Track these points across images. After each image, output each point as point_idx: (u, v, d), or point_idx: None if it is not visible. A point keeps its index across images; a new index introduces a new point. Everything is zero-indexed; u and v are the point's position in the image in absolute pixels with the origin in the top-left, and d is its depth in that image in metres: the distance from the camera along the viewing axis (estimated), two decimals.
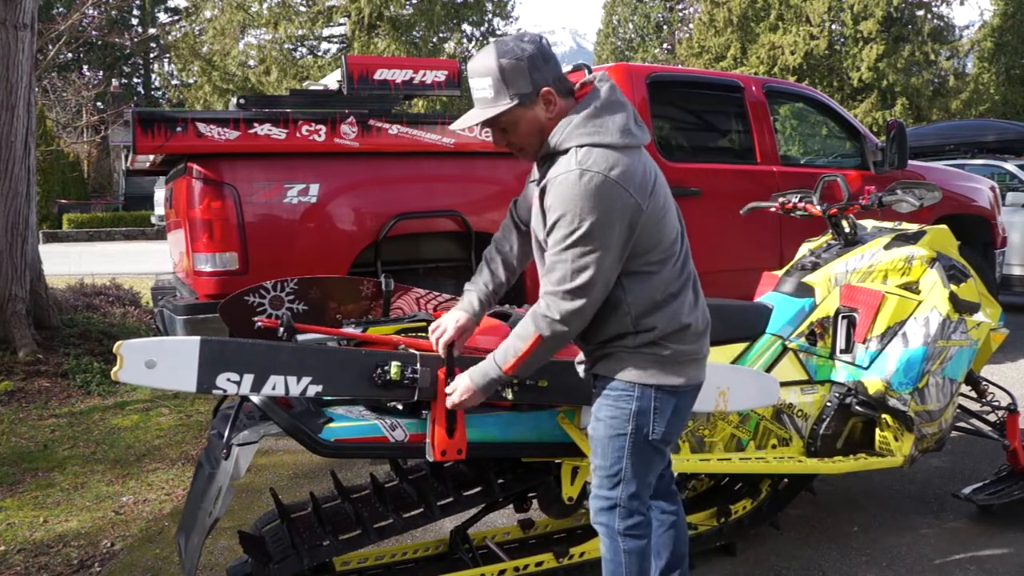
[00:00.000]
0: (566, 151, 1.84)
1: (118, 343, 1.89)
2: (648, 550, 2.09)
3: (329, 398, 2.21)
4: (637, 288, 1.90)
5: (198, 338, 1.93)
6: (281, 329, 2.18)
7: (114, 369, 1.88)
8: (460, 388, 2.01)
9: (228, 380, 1.95)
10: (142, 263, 13.04)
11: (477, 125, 1.93)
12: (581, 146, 1.82)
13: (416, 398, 2.13)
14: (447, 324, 2.10)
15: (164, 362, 1.90)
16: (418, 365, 2.11)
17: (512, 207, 2.26)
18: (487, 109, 1.87)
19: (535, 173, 2.01)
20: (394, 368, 2.08)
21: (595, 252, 1.79)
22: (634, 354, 1.94)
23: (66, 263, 10.61)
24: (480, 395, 2.01)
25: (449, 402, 2.05)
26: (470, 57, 21.64)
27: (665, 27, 34.54)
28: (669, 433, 2.01)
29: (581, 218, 1.76)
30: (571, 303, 1.84)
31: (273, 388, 1.99)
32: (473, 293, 2.17)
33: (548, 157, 1.90)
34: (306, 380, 2.01)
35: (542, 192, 1.86)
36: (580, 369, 2.14)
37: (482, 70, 1.85)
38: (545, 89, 1.85)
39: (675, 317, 1.93)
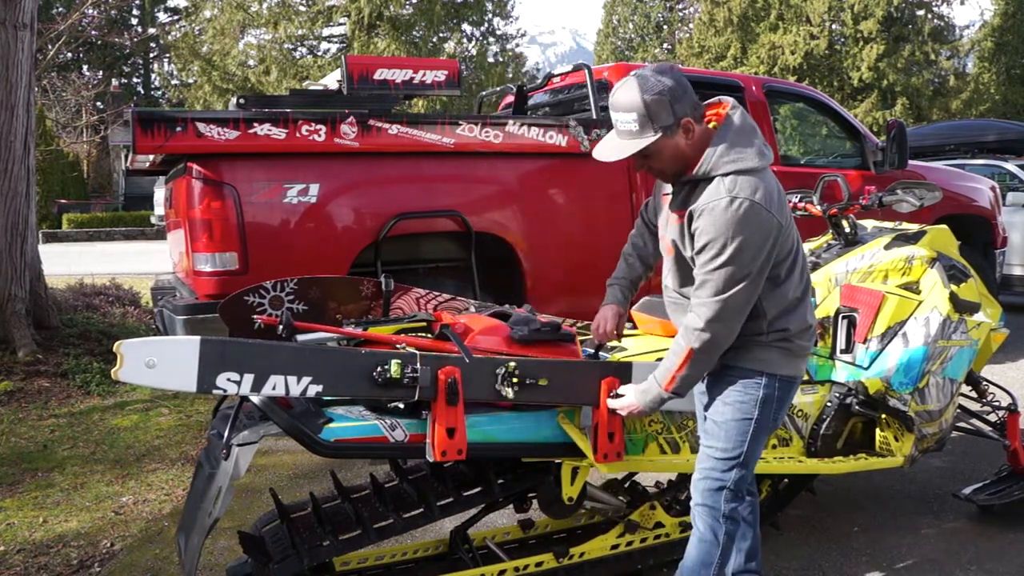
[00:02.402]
0: (712, 178, 2.01)
1: (118, 343, 1.89)
2: (742, 535, 2.21)
3: (329, 398, 2.20)
4: (771, 293, 2.09)
5: (198, 338, 1.92)
6: (281, 327, 2.18)
7: (114, 368, 1.88)
8: (625, 404, 2.23)
9: (228, 380, 1.94)
10: (142, 263, 13.04)
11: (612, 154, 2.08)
12: (727, 174, 1.99)
13: (417, 397, 2.13)
14: (606, 316, 2.39)
15: (164, 362, 1.90)
16: (418, 364, 2.11)
17: (643, 210, 2.49)
18: (635, 141, 2.02)
19: (668, 188, 2.19)
20: (394, 367, 2.08)
21: (743, 270, 1.97)
22: (766, 347, 2.14)
23: (66, 263, 10.61)
24: (644, 413, 2.24)
25: (612, 406, 2.27)
26: (470, 57, 21.76)
27: (665, 27, 34.53)
28: (780, 420, 2.25)
29: (732, 241, 1.94)
30: (720, 316, 2.00)
31: (273, 388, 1.99)
32: (616, 287, 2.44)
33: (693, 181, 2.06)
34: (306, 380, 2.01)
35: (690, 216, 2.03)
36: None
37: (627, 105, 2.00)
38: (685, 120, 2.01)
39: (803, 318, 2.16)
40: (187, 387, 1.92)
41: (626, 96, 2.01)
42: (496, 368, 2.18)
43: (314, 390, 2.03)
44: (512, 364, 2.19)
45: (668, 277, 2.26)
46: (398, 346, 2.23)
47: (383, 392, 2.12)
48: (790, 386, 2.20)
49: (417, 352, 2.15)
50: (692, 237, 2.03)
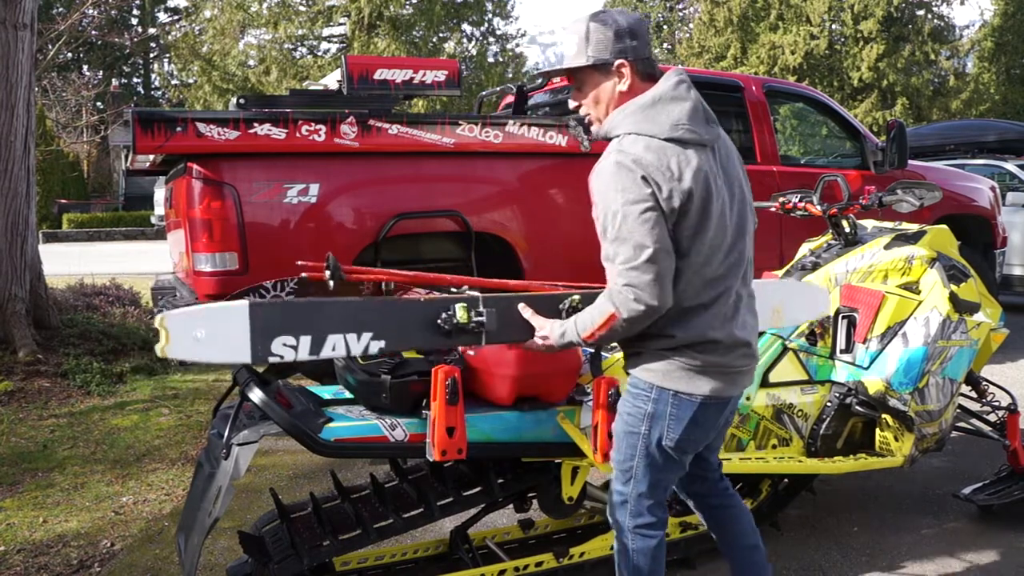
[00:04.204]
0: (615, 137, 1.93)
1: (160, 316, 1.69)
2: (659, 552, 2.05)
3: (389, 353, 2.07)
4: None
5: (246, 302, 1.75)
6: (327, 273, 2.08)
7: (159, 344, 1.70)
8: (542, 336, 2.02)
9: (284, 345, 1.77)
10: (142, 263, 13.04)
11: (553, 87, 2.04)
12: (627, 135, 1.88)
13: (484, 342, 2.02)
14: None
15: (213, 332, 1.72)
16: (482, 307, 1.99)
17: None
18: (568, 61, 1.95)
19: None
20: (460, 311, 1.95)
21: (633, 237, 1.82)
22: (657, 356, 1.93)
23: (66, 263, 10.60)
24: (554, 350, 2.05)
25: (533, 340, 2.06)
26: (470, 57, 21.76)
27: (665, 27, 34.53)
28: (685, 442, 1.97)
29: (613, 204, 1.85)
30: (639, 285, 1.82)
31: (333, 349, 1.83)
32: None
33: (603, 139, 1.99)
34: (367, 336, 1.85)
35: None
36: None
37: (572, 27, 1.95)
38: (621, 63, 1.91)
39: (699, 329, 1.89)
40: (240, 358, 1.75)
41: (576, 20, 1.96)
42: (559, 303, 2.13)
43: (376, 346, 1.88)
44: (576, 297, 2.14)
45: None
46: (454, 289, 2.12)
47: (448, 340, 2.00)
48: (692, 405, 1.93)
49: (479, 294, 2.04)
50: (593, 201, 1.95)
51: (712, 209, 1.87)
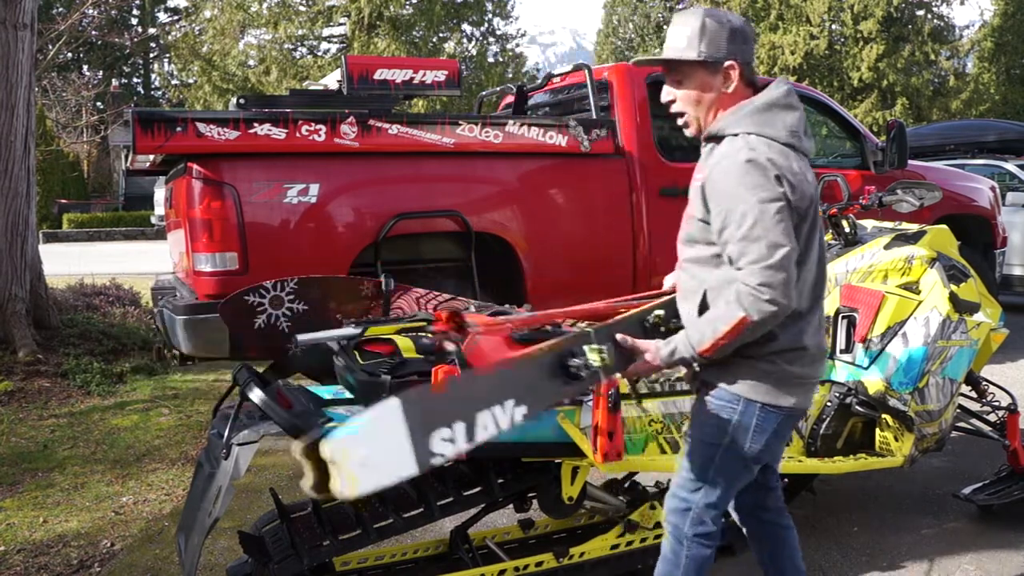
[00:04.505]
0: (726, 136, 1.88)
1: (321, 444, 1.47)
2: (709, 563, 2.04)
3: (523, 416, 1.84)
4: None
5: (396, 401, 1.53)
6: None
7: (332, 483, 1.48)
8: (647, 360, 1.93)
9: (442, 440, 1.60)
10: (142, 263, 13.03)
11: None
12: (748, 134, 1.85)
13: (604, 379, 1.90)
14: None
15: (376, 452, 1.51)
16: (603, 343, 1.88)
17: None
18: (675, 54, 1.90)
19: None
20: (592, 354, 1.83)
21: (771, 234, 1.78)
22: (745, 366, 1.90)
23: (66, 263, 10.60)
24: (656, 370, 1.99)
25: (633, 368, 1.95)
26: (470, 57, 21.76)
27: (665, 27, 34.53)
28: (764, 453, 1.98)
29: (751, 201, 1.78)
30: (773, 284, 1.77)
31: (485, 429, 1.66)
32: None
33: (712, 139, 1.94)
34: (510, 404, 1.72)
35: (708, 178, 1.88)
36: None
37: (684, 21, 1.91)
38: (731, 63, 1.89)
39: (795, 336, 1.89)
40: (408, 471, 1.54)
41: (688, 14, 1.91)
42: (644, 321, 2.07)
43: (520, 413, 1.72)
44: (660, 312, 2.05)
45: (681, 252, 2.05)
46: (549, 327, 2.04)
47: (581, 385, 1.88)
48: (777, 417, 1.93)
49: (591, 330, 1.91)
50: (702, 198, 1.89)
51: (817, 217, 1.91)
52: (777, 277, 1.75)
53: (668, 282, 2.33)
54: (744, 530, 2.32)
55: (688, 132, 2.01)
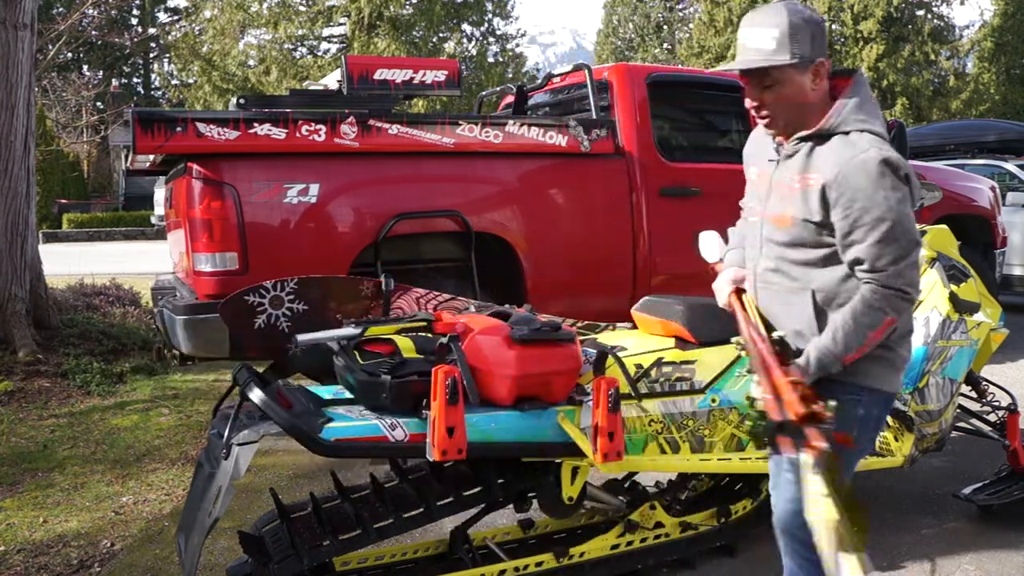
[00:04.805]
0: (839, 135, 1.82)
1: None
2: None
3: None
4: None
5: None
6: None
7: None
8: (807, 374, 1.84)
9: None
10: (142, 263, 13.03)
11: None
12: (861, 131, 1.81)
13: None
14: (721, 281, 2.10)
15: None
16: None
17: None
18: (766, 58, 1.81)
19: (764, 155, 1.99)
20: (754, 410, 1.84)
21: (909, 233, 1.78)
22: (868, 357, 1.85)
23: (66, 263, 10.60)
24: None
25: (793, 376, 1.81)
26: (470, 57, 21.76)
27: (665, 27, 34.54)
28: (873, 443, 1.99)
29: (891, 199, 1.75)
30: (912, 282, 1.80)
31: None
32: (734, 251, 2.18)
33: (817, 137, 1.85)
34: None
35: (833, 178, 1.79)
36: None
37: (769, 21, 1.82)
38: (820, 61, 1.83)
39: (908, 319, 1.92)
40: None
41: (769, 13, 1.82)
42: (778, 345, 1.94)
43: None
44: (781, 333, 1.93)
45: (766, 257, 1.97)
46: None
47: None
48: (887, 404, 1.96)
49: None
50: (821, 199, 1.81)
51: None
52: (915, 275, 1.79)
53: (724, 287, 2.12)
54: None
55: (772, 133, 1.95)
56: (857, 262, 1.80)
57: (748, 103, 1.92)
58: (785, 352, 1.86)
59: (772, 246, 1.96)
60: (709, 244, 2.35)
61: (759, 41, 1.83)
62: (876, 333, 1.80)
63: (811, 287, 1.89)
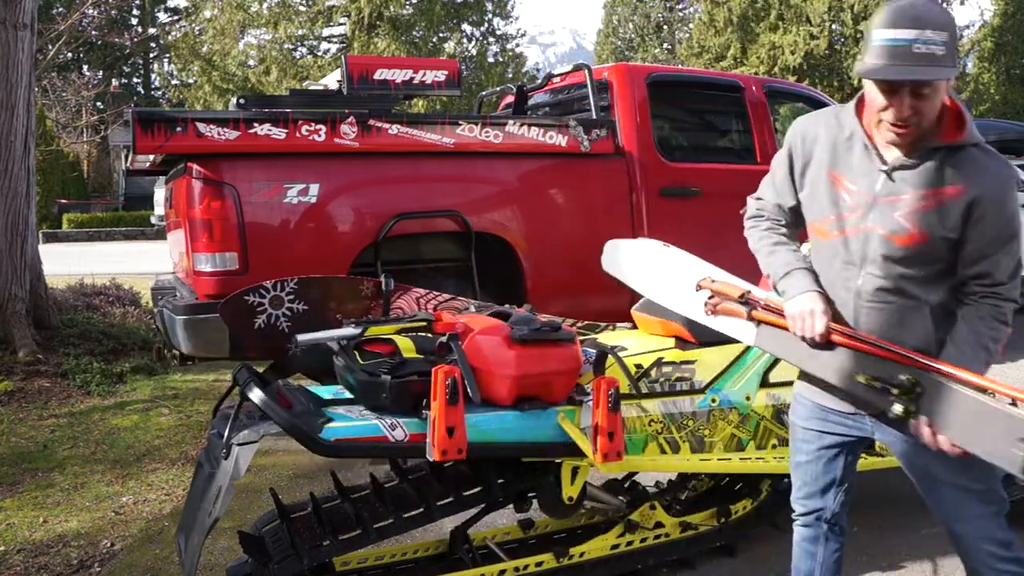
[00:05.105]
0: (968, 148, 1.75)
1: None
2: None
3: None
4: None
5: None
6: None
7: None
8: None
9: None
10: (142, 263, 13.03)
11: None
12: (986, 143, 1.79)
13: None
14: (817, 306, 1.87)
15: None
16: (919, 400, 1.80)
17: (761, 205, 2.17)
18: (936, 68, 1.63)
19: (847, 167, 1.84)
20: (899, 406, 1.79)
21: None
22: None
23: (66, 263, 10.60)
24: None
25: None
26: (470, 57, 21.76)
27: (665, 27, 34.54)
28: None
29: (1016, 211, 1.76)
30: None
31: None
32: (804, 271, 1.97)
33: (948, 149, 1.76)
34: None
35: (971, 194, 1.72)
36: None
37: (940, 23, 1.63)
38: (955, 69, 1.70)
39: None
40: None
41: (933, 12, 1.63)
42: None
43: None
44: (911, 374, 1.80)
45: (874, 276, 1.84)
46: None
47: (869, 406, 1.90)
48: None
49: (919, 379, 1.78)
50: (963, 215, 1.72)
51: None
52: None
53: (820, 317, 1.88)
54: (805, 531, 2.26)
55: (905, 141, 1.77)
56: (981, 276, 1.78)
57: (893, 114, 1.71)
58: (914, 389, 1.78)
59: (886, 264, 1.82)
60: (612, 255, 2.31)
61: (929, 44, 1.63)
62: (1000, 347, 1.82)
63: (930, 303, 1.83)
